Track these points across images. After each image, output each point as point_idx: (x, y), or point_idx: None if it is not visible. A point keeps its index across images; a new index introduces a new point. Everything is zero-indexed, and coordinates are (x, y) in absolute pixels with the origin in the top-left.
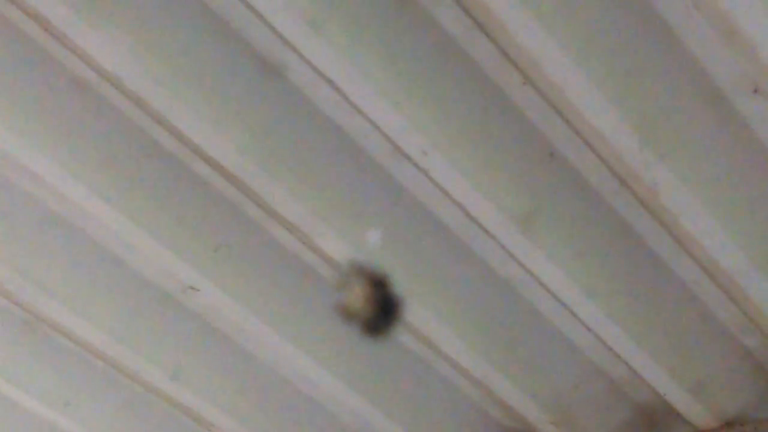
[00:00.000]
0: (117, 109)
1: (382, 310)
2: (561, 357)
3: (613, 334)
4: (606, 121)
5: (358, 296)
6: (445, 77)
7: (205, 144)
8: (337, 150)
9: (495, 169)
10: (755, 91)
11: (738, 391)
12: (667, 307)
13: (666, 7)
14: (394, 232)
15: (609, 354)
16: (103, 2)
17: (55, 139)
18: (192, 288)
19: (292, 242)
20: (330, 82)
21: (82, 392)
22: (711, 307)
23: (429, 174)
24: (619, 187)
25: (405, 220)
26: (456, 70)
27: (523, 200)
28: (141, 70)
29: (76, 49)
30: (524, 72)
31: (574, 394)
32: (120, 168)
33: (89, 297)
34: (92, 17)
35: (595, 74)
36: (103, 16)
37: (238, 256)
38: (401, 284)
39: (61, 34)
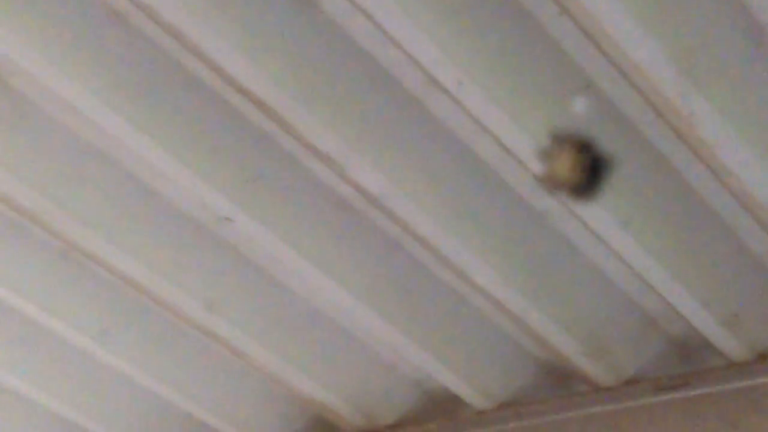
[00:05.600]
0: (153, 41)
1: (590, 173)
2: (595, 289)
3: (648, 267)
4: (643, 52)
5: (564, 163)
6: (482, 8)
7: (241, 75)
8: (371, 81)
9: (530, 100)
10: None
11: None
12: (701, 240)
13: None
14: (430, 163)
15: (643, 286)
16: None
17: (91, 71)
18: (227, 219)
19: (327, 174)
20: (365, 12)
21: (118, 322)
22: (746, 240)
23: (464, 105)
24: (655, 119)
25: (440, 151)
26: (491, 0)
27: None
28: (176, 1)
29: None
30: (560, 2)
31: (608, 327)
32: (155, 99)
33: (125, 227)
34: None
35: (632, 4)
36: None
37: (272, 187)
38: None
39: None
